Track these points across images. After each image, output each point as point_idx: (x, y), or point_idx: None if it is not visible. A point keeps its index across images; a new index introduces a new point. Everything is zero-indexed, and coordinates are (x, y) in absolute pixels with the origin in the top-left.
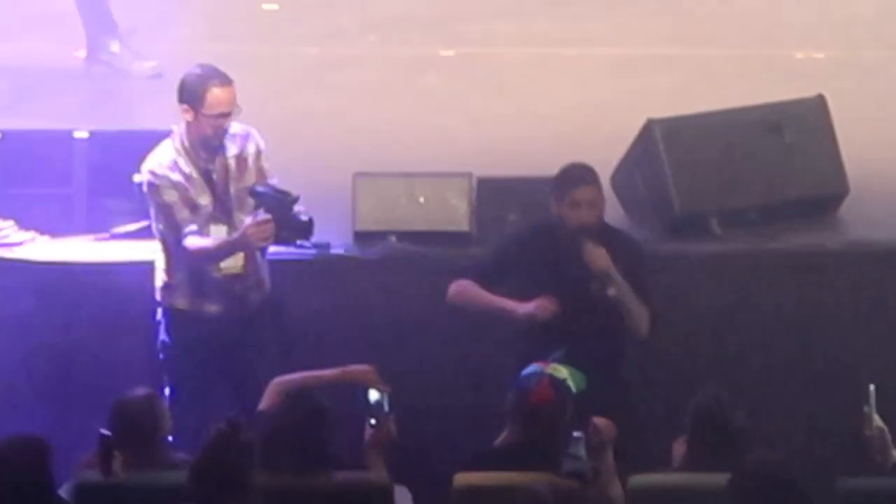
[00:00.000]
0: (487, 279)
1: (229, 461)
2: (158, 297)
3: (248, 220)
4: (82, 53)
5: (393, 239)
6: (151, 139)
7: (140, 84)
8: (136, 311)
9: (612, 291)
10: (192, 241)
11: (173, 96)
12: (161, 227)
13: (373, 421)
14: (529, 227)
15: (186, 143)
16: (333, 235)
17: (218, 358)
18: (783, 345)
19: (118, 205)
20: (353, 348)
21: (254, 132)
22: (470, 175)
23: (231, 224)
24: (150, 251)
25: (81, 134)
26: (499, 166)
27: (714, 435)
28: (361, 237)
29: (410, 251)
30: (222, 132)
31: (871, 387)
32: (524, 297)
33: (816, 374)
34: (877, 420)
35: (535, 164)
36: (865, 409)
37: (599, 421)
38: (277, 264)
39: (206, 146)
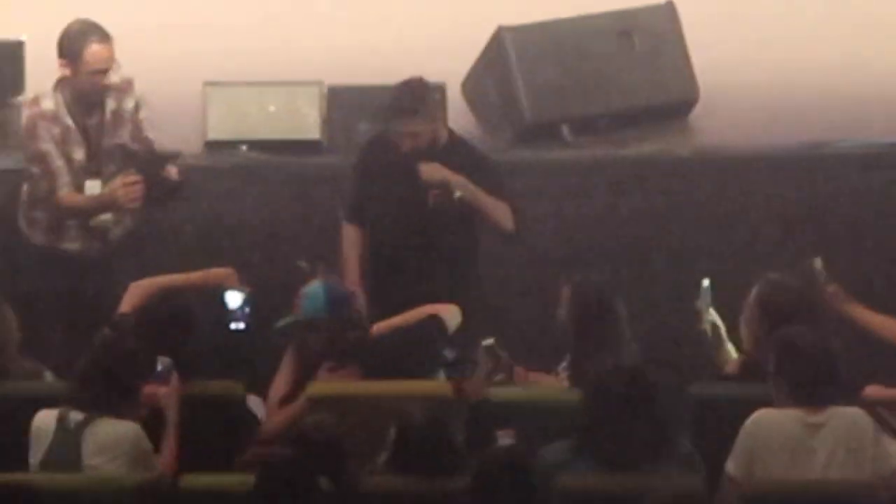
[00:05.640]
0: (359, 216)
1: (113, 368)
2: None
3: (116, 180)
4: None
5: (244, 148)
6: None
7: None
8: None
9: (457, 194)
10: (65, 197)
11: None
12: (34, 171)
13: (238, 325)
14: (367, 143)
15: (67, 96)
16: (184, 145)
17: (76, 294)
18: (633, 249)
19: None
20: (204, 257)
21: (134, 85)
22: (321, 83)
23: (102, 177)
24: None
25: None
26: (349, 74)
27: (595, 317)
28: (212, 146)
29: (261, 160)
30: (100, 89)
31: (705, 282)
32: (375, 211)
33: (667, 278)
34: (711, 315)
35: (386, 72)
36: (698, 304)
37: (438, 307)
38: None
39: (84, 101)
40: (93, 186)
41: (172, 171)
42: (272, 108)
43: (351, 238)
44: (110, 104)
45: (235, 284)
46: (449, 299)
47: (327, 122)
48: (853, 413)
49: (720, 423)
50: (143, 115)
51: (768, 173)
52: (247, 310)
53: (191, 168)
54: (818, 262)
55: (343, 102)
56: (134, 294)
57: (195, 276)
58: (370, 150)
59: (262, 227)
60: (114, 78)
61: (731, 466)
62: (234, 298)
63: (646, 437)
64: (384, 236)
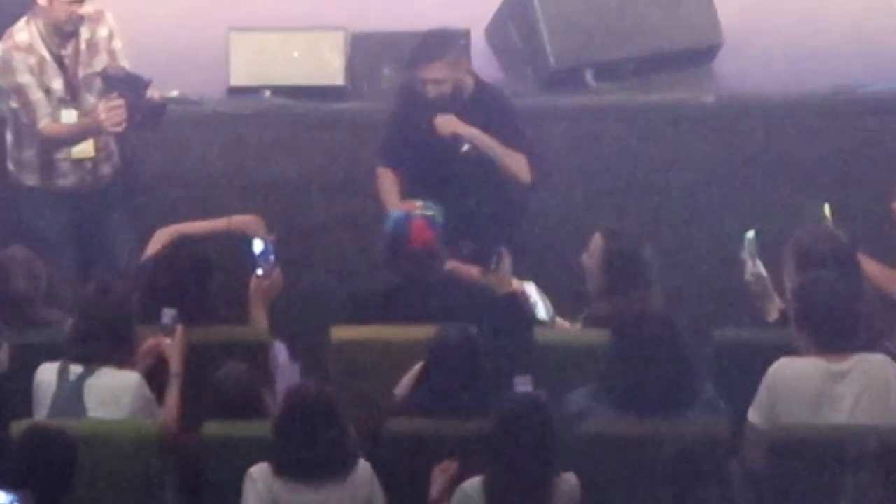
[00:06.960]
0: (393, 159)
1: (107, 318)
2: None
3: (99, 105)
4: None
5: (267, 94)
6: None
7: None
8: None
9: (465, 147)
10: (46, 127)
11: None
12: (14, 105)
13: (259, 271)
14: (400, 87)
15: (42, 27)
16: (208, 90)
17: (72, 231)
18: (655, 195)
19: None
20: (229, 203)
21: (107, 15)
22: (344, 29)
23: (80, 107)
24: None
25: None
26: (373, 21)
27: (626, 265)
28: (236, 92)
29: (285, 106)
30: (75, 18)
31: (749, 234)
32: (409, 154)
33: (693, 223)
34: (757, 267)
35: (410, 19)
36: (742, 255)
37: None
38: None
39: (59, 31)
40: (69, 115)
41: (155, 93)
42: (296, 54)
43: (387, 179)
44: (84, 34)
45: (260, 231)
46: (482, 244)
47: (351, 68)
48: (878, 360)
49: (744, 370)
50: (116, 44)
51: (793, 119)
52: (270, 257)
53: (214, 114)
54: (826, 207)
55: (367, 49)
56: (158, 240)
57: (219, 223)
58: (402, 95)
59: (285, 173)
60: (87, 8)
61: (753, 415)
62: (258, 245)
63: (670, 383)
64: (417, 182)
